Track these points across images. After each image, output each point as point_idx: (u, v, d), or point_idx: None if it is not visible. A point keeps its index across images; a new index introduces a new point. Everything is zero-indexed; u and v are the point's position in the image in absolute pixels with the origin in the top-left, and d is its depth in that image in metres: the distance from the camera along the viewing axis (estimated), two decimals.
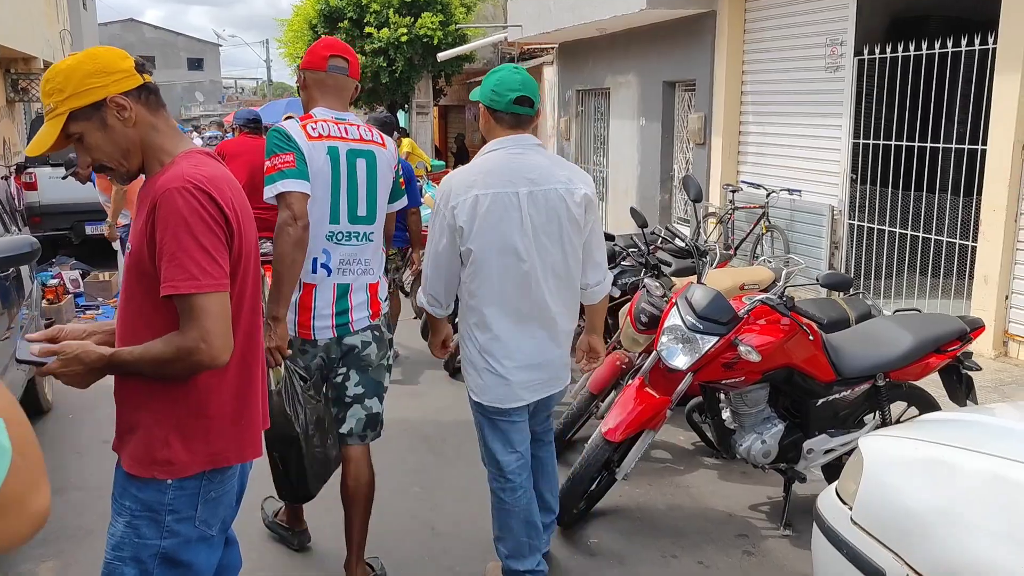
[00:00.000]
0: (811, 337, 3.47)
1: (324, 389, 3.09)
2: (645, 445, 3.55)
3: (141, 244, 1.87)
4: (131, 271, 1.93)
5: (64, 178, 7.93)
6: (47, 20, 18.59)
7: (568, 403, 4.53)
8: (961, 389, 3.98)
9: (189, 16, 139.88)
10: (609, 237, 5.47)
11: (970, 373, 3.96)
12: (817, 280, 3.46)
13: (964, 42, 6.20)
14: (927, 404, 4.02)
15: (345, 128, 2.99)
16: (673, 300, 3.51)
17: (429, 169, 13.79)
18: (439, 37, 14.74)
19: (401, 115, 17.87)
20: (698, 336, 3.35)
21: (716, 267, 5.71)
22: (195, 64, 59.82)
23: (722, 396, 3.69)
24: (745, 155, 9.15)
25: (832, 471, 3.96)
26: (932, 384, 4.04)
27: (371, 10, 14.74)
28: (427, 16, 14.73)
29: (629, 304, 4.16)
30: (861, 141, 7.38)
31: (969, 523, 1.91)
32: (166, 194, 1.81)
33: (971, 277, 6.30)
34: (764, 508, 3.97)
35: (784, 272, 4.99)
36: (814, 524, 2.53)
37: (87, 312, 7.81)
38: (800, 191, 7.99)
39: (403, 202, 3.32)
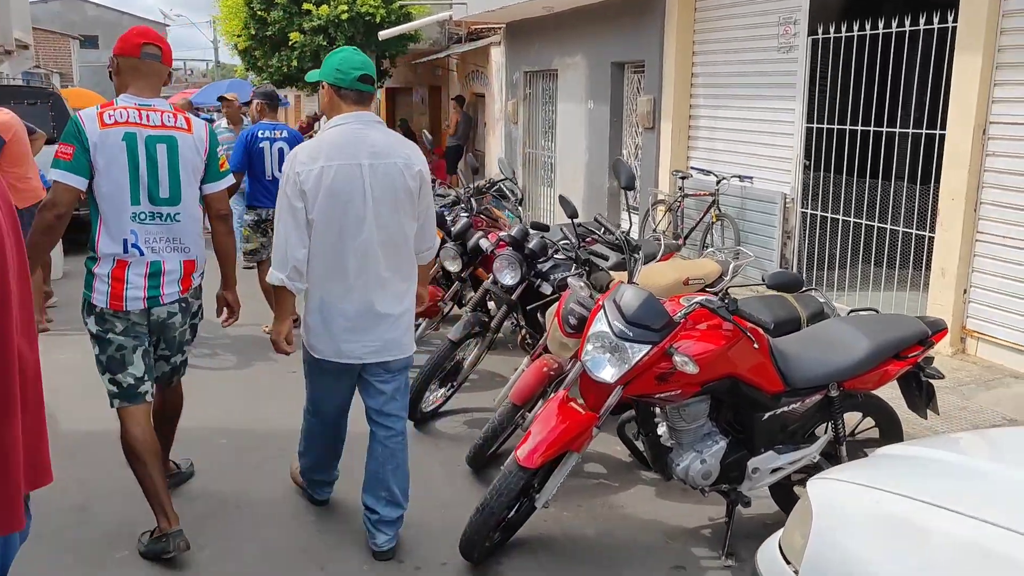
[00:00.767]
0: (756, 345, 3.05)
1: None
2: (568, 469, 3.09)
3: None
4: None
5: None
6: None
7: (488, 413, 4.08)
8: (921, 398, 3.60)
9: None
10: (542, 227, 5.01)
11: (931, 381, 3.57)
12: (763, 280, 3.02)
13: (923, 20, 5.84)
14: (884, 414, 3.64)
15: (147, 115, 3.19)
16: (599, 303, 3.06)
17: None
18: (382, 15, 14.09)
19: None
20: (627, 345, 2.90)
21: (661, 259, 5.30)
22: None
23: (657, 410, 3.26)
24: (696, 140, 8.75)
25: (780, 493, 3.56)
26: (888, 390, 3.64)
27: None
28: None
29: (557, 304, 3.70)
30: (815, 126, 7.01)
31: None
32: None
33: (928, 269, 5.97)
34: (705, 532, 3.56)
35: (732, 266, 4.56)
36: None
37: None
38: (752, 178, 7.61)
39: (226, 182, 3.46)
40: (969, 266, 5.63)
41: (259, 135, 6.21)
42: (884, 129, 6.35)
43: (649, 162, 9.15)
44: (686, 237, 8.22)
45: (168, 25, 57.31)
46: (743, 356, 3.08)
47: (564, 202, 4.01)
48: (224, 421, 4.74)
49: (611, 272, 4.26)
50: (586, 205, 10.65)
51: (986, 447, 2.23)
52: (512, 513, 3.20)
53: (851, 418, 3.64)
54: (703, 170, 8.12)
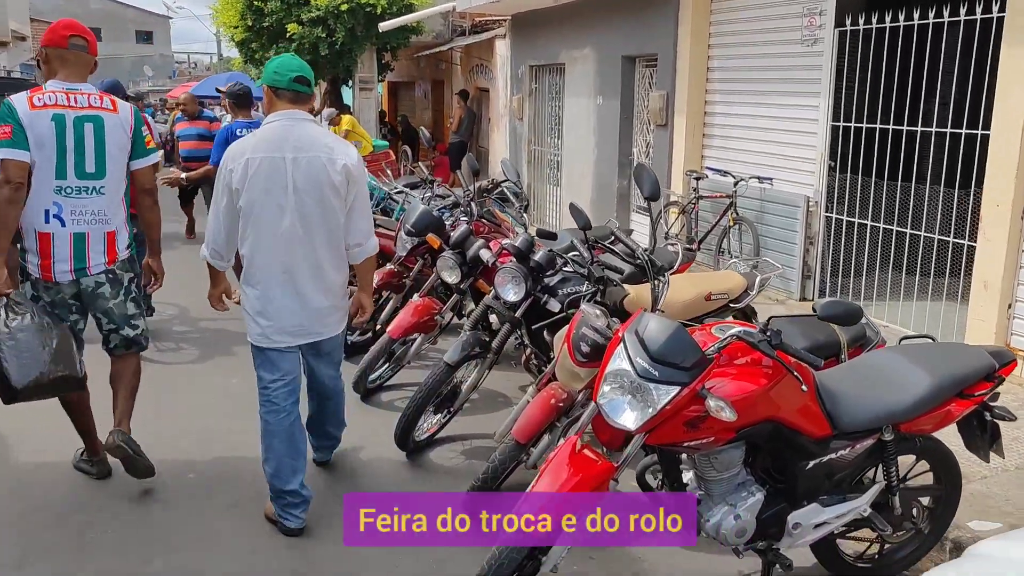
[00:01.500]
0: (804, 387, 2.58)
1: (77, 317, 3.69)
2: None
3: None
4: None
5: None
6: None
7: (488, 440, 3.62)
8: (984, 439, 3.14)
9: None
10: (549, 235, 4.55)
11: (997, 421, 3.11)
12: (814, 311, 2.56)
13: (963, 10, 5.36)
14: (940, 457, 3.18)
15: (75, 97, 3.51)
16: (619, 334, 2.59)
17: (371, 150, 12.74)
18: (383, 6, 13.63)
19: (345, 91, 16.73)
20: (652, 386, 2.44)
21: (678, 270, 4.84)
22: (144, 37, 57.75)
23: (683, 455, 2.81)
24: (711, 138, 8.27)
25: (824, 550, 3.10)
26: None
27: None
28: None
29: (567, 328, 3.24)
30: (841, 124, 6.53)
31: None
32: None
33: (967, 280, 5.50)
34: None
35: (757, 279, 4.12)
36: None
37: None
38: (772, 179, 7.13)
39: (152, 159, 3.77)
40: (1015, 278, 5.16)
41: (236, 132, 6.31)
42: (918, 129, 5.88)
43: (661, 161, 8.67)
44: (700, 242, 7.76)
45: (171, 18, 56.96)
46: (786, 397, 2.62)
47: (576, 212, 3.55)
48: (196, 448, 4.29)
49: (626, 286, 3.82)
50: (594, 206, 10.18)
51: None
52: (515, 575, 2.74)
53: (902, 460, 3.18)
54: (719, 171, 7.64)
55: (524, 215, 4.55)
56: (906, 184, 5.99)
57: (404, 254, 5.39)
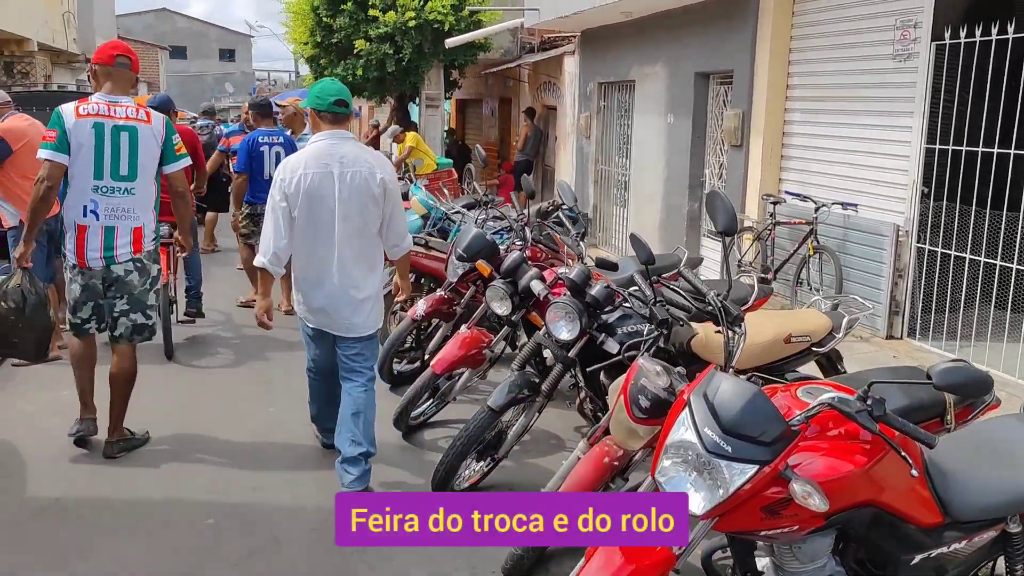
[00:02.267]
0: (914, 471, 2.10)
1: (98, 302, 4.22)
2: None
3: None
4: None
5: None
6: (47, 2, 17.57)
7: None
8: None
9: (231, 8, 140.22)
10: (610, 266, 4.13)
11: None
12: (928, 377, 2.09)
13: None
14: None
15: (115, 109, 4.05)
16: (684, 396, 2.16)
17: (435, 167, 12.50)
18: (450, 22, 13.39)
19: (412, 108, 16.59)
20: (723, 464, 2.00)
21: (753, 305, 4.37)
22: (227, 55, 59.53)
23: (760, 541, 2.35)
24: (789, 160, 7.73)
25: None
26: None
27: None
28: None
29: (624, 378, 2.82)
30: (937, 146, 5.95)
31: None
32: None
33: None
34: None
35: (844, 321, 3.61)
36: None
37: None
38: (857, 206, 6.57)
39: (181, 163, 4.30)
40: None
41: (259, 140, 7.01)
42: None
43: (735, 183, 8.16)
44: (776, 271, 7.22)
45: (252, 36, 58.43)
46: (889, 478, 2.15)
47: (637, 244, 3.13)
48: (217, 487, 4.00)
49: (694, 325, 3.37)
50: (663, 229, 9.71)
51: None
52: None
53: None
54: (799, 195, 7.10)
55: (581, 244, 4.13)
56: (1011, 214, 5.38)
57: (455, 280, 5.04)
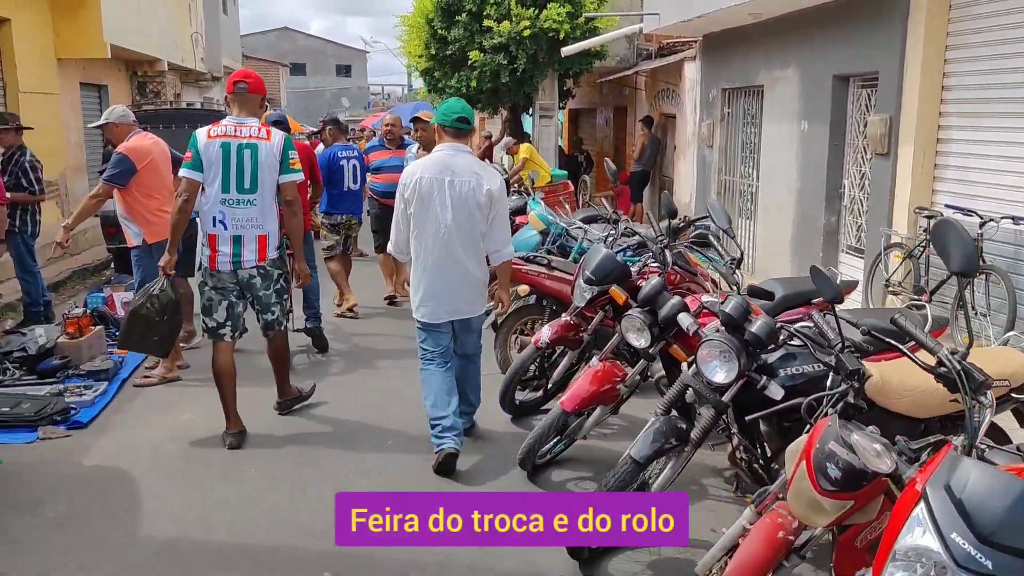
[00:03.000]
0: None
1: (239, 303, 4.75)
2: None
3: None
4: None
5: None
6: (177, 23, 18.28)
7: (688, 567, 2.78)
8: None
9: (349, 26, 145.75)
10: (764, 294, 3.66)
11: None
12: None
13: None
14: None
15: (240, 129, 4.56)
16: (915, 485, 1.70)
17: (549, 180, 12.17)
18: (566, 30, 13.06)
19: (525, 119, 16.34)
20: None
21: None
22: (344, 71, 61.38)
23: None
24: (945, 169, 6.99)
25: None
26: None
27: (491, 1, 13.24)
28: (553, 7, 13.07)
29: (807, 438, 2.36)
30: None
31: None
32: None
33: None
34: None
35: None
36: None
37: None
38: None
39: (293, 176, 4.67)
40: None
41: (339, 155, 7.64)
42: None
43: (881, 195, 7.47)
44: (932, 293, 6.51)
45: (368, 52, 59.94)
46: None
47: (820, 278, 2.66)
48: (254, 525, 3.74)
49: (867, 363, 2.87)
50: (795, 243, 9.06)
51: None
52: None
53: None
54: (962, 209, 6.37)
55: (737, 272, 3.66)
56: None
57: (582, 304, 4.65)
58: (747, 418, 3.15)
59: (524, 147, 12.51)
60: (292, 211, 4.73)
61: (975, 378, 2.06)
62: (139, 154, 5.63)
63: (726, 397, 3.16)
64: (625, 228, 5.49)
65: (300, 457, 4.54)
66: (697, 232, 5.12)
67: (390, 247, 4.58)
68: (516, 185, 10.10)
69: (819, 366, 3.03)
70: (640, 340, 3.80)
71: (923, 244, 6.64)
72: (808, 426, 2.58)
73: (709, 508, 3.94)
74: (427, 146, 7.26)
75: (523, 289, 5.62)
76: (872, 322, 2.67)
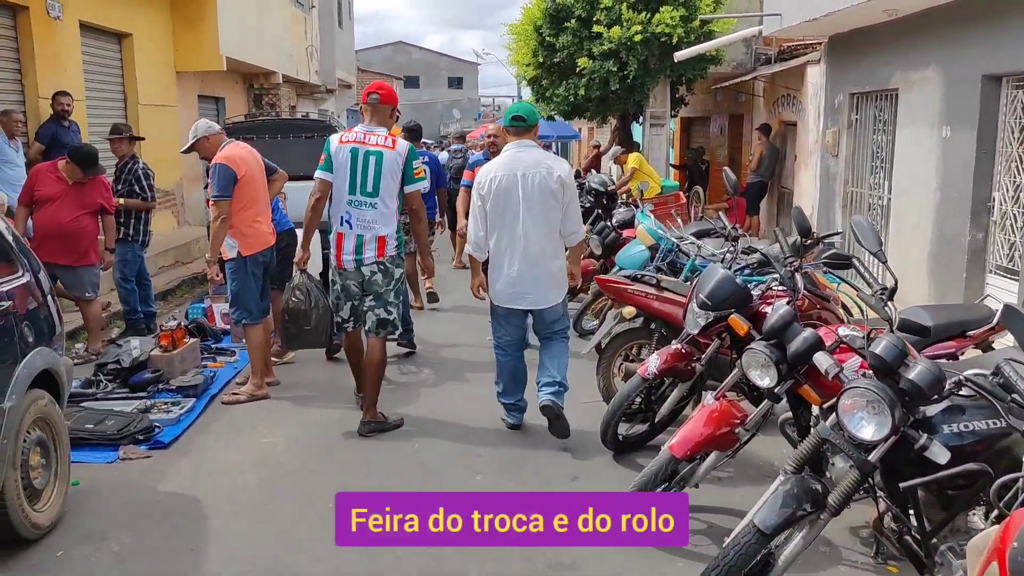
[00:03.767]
0: None
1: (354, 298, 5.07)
2: None
3: None
4: None
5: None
6: (292, 37, 18.69)
7: None
8: None
9: (462, 40, 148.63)
10: (919, 330, 3.08)
11: None
12: None
13: None
14: None
15: (369, 137, 4.91)
16: None
17: (660, 191, 11.60)
18: (679, 35, 12.46)
19: (635, 128, 15.78)
20: None
21: None
22: (455, 83, 62.36)
23: None
24: None
25: None
26: None
27: (602, 6, 12.78)
28: (666, 11, 12.49)
29: (996, 532, 1.81)
30: None
31: None
32: None
33: None
34: None
35: None
36: None
37: (218, 359, 6.52)
38: None
39: (417, 185, 5.05)
40: None
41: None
42: None
43: None
44: None
45: (479, 64, 60.53)
46: None
47: (1015, 318, 2.09)
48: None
49: None
50: (933, 262, 8.20)
51: None
52: None
53: None
54: None
55: (889, 305, 3.03)
56: None
57: (695, 332, 4.13)
58: (902, 485, 2.58)
59: (633, 156, 11.99)
60: (417, 218, 5.13)
61: None
62: (236, 162, 5.45)
63: (874, 457, 2.60)
64: (746, 243, 4.93)
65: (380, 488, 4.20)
66: (833, 252, 4.51)
67: (467, 247, 4.87)
68: (624, 196, 9.58)
69: (996, 423, 2.45)
70: (765, 379, 3.27)
71: None
72: (993, 510, 2.02)
73: None
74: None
75: (629, 311, 5.14)
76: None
